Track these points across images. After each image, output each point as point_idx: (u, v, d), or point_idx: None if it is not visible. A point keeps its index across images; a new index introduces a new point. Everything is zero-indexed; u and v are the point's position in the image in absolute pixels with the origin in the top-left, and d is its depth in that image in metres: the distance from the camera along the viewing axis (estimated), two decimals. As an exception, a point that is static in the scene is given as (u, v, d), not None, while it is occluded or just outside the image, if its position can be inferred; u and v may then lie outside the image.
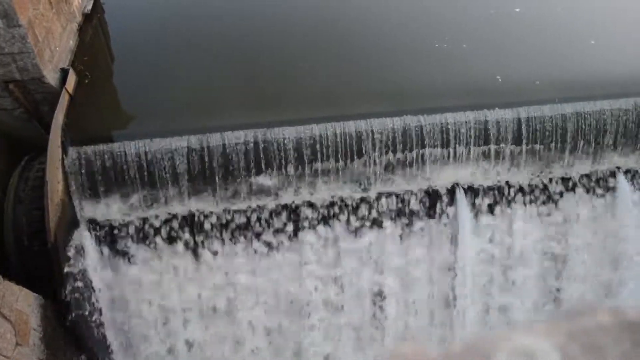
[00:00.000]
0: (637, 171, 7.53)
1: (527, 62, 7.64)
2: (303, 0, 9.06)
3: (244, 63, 7.67)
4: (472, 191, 7.00)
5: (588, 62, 7.79)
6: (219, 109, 6.95)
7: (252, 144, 6.56)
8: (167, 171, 6.61)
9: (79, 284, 6.39)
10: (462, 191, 6.93)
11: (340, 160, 6.64)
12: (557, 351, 0.86)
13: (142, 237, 6.67)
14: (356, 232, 6.84)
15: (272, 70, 7.55)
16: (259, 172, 6.62)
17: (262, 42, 8.01)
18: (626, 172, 7.50)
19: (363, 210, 6.82)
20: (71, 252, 6.30)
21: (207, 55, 7.78)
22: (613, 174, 7.44)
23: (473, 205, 6.99)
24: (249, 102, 7.01)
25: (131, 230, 6.63)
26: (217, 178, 6.64)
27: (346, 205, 6.80)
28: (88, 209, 6.66)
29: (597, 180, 7.29)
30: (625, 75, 7.57)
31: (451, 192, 6.95)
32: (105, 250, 6.63)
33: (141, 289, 6.87)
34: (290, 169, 6.61)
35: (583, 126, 6.99)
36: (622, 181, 7.44)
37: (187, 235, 6.81)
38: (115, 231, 6.61)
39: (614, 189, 7.37)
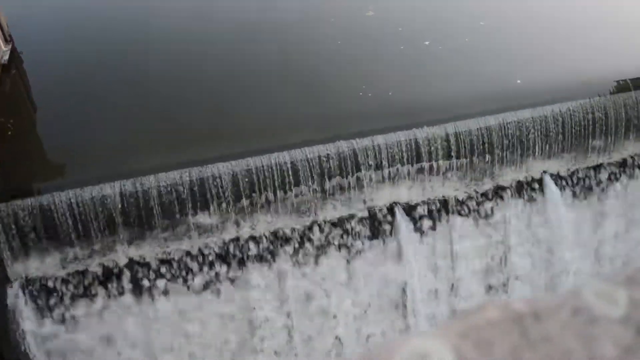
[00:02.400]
0: (561, 174, 7.91)
1: (452, 78, 7.96)
2: (225, 35, 9.07)
3: (169, 100, 7.62)
4: (411, 208, 7.15)
5: (507, 74, 8.17)
6: (150, 150, 6.84)
7: (188, 183, 6.49)
8: (102, 219, 6.43)
9: (18, 345, 6.08)
10: (400, 209, 7.07)
11: (279, 192, 6.65)
12: (451, 351, 0.90)
13: (80, 291, 6.42)
14: (302, 262, 6.83)
15: (201, 105, 7.54)
16: (197, 211, 6.54)
17: (186, 78, 8.02)
18: (552, 175, 7.87)
19: (308, 239, 6.83)
20: (6, 312, 5.99)
21: (132, 97, 7.69)
22: (540, 179, 7.77)
23: (413, 222, 7.13)
24: (180, 140, 6.96)
25: (67, 285, 6.37)
26: (154, 222, 6.51)
27: (289, 237, 6.80)
28: (20, 266, 6.37)
29: (527, 186, 7.61)
30: (543, 83, 8.00)
31: (391, 211, 7.07)
32: (41, 307, 6.33)
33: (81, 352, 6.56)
34: (229, 205, 6.56)
35: (507, 136, 7.30)
36: (549, 184, 7.79)
37: (129, 285, 6.61)
38: (51, 287, 6.33)
39: (542, 192, 7.70)
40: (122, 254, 6.64)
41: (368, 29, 9.06)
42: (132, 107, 7.59)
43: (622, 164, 8.24)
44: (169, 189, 6.47)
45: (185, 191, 6.48)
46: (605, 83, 8.04)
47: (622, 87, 8.06)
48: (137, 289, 6.58)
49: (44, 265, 6.39)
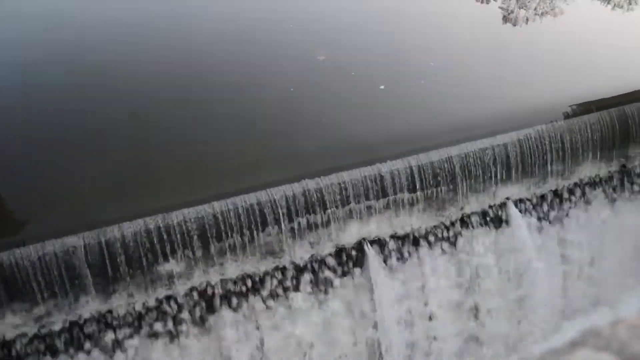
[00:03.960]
0: (524, 199, 8.11)
1: (411, 115, 8.12)
2: (184, 77, 8.96)
3: (128, 145, 7.47)
4: (379, 243, 7.19)
5: (465, 107, 8.34)
6: (111, 199, 6.69)
7: (153, 231, 6.37)
8: (65, 274, 6.24)
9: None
10: (369, 245, 7.09)
11: (247, 235, 6.59)
12: None
13: (47, 353, 6.18)
14: (273, 306, 6.76)
15: (159, 149, 7.43)
16: (163, 259, 6.41)
17: (145, 121, 7.92)
18: (516, 201, 8.06)
19: (277, 282, 6.78)
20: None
21: (90, 140, 7.54)
22: (504, 205, 7.94)
23: (382, 257, 7.16)
24: (141, 187, 6.84)
25: (32, 346, 6.14)
26: (120, 273, 6.35)
27: (259, 280, 6.74)
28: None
29: (491, 214, 7.76)
30: (500, 112, 8.24)
31: (359, 248, 7.09)
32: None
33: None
34: (196, 251, 6.47)
35: (469, 166, 7.45)
36: (513, 210, 7.96)
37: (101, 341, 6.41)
38: (13, 349, 6.08)
39: (507, 219, 7.86)
40: (89, 309, 6.44)
41: (322, 74, 9.05)
42: (91, 151, 7.43)
43: (581, 187, 8.52)
44: (134, 238, 6.33)
45: (151, 239, 6.35)
46: (559, 109, 8.33)
47: (575, 112, 8.36)
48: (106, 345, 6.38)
49: (4, 326, 6.14)
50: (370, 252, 7.09)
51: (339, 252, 7.10)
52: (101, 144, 7.51)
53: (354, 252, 7.11)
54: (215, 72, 9.04)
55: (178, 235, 6.37)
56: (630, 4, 13.09)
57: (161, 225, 6.34)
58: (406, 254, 7.36)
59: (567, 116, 8.25)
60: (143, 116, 8.04)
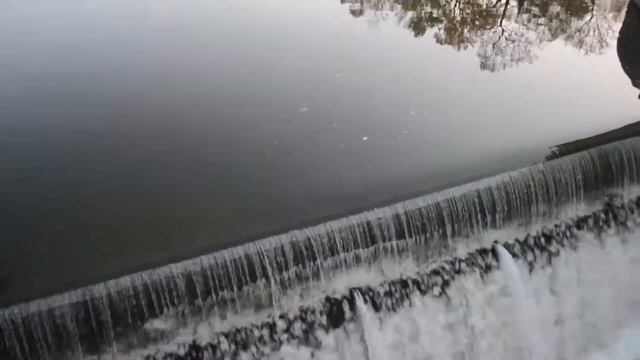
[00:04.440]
0: (512, 241, 8.13)
1: (396, 163, 8.19)
2: (166, 131, 8.96)
3: (111, 201, 7.42)
4: (370, 292, 7.12)
5: (448, 153, 8.51)
6: (96, 256, 6.59)
7: (140, 288, 6.26)
8: (51, 335, 6.08)
9: None
10: (359, 294, 7.02)
11: (236, 288, 6.51)
12: None
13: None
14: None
15: (144, 204, 7.40)
16: (151, 316, 6.28)
17: (129, 177, 7.90)
18: (504, 244, 8.07)
19: (268, 335, 6.66)
20: None
21: (72, 198, 7.48)
22: (493, 248, 7.95)
23: (373, 305, 7.08)
24: (126, 242, 6.75)
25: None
26: (107, 332, 6.20)
27: (250, 333, 6.61)
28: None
29: (480, 258, 7.75)
30: (483, 157, 8.37)
31: (350, 297, 7.01)
32: None
33: None
34: (185, 307, 6.36)
35: (456, 210, 7.49)
36: (502, 253, 7.96)
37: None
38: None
39: (497, 262, 7.85)
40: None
41: (305, 125, 9.16)
42: (74, 208, 7.37)
43: (568, 227, 8.57)
44: (120, 295, 6.22)
45: (137, 296, 6.24)
46: (540, 151, 8.49)
47: (556, 153, 8.51)
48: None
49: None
50: (361, 301, 7.01)
51: (329, 302, 7.00)
52: (85, 201, 7.45)
53: (344, 302, 7.02)
54: (199, 127, 9.06)
55: (166, 292, 6.28)
56: (602, 47, 13.58)
57: (148, 281, 6.25)
58: (397, 301, 7.27)
59: (548, 158, 8.40)
60: (128, 171, 8.02)
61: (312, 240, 6.76)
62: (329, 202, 7.21)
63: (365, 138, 8.57)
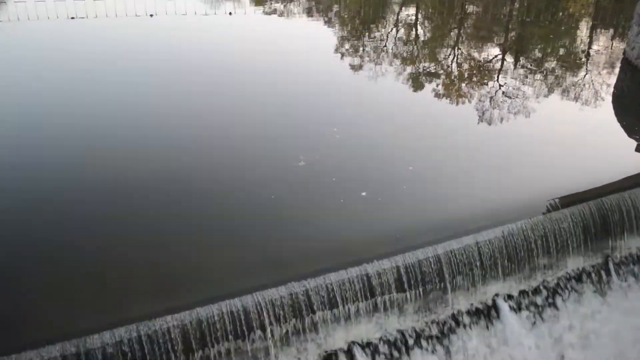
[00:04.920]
0: (513, 295, 8.03)
1: (395, 216, 8.18)
2: (161, 184, 8.96)
3: (106, 254, 7.33)
4: (369, 347, 6.97)
5: (447, 207, 8.52)
6: (91, 307, 6.50)
7: (135, 340, 6.14)
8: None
9: None
10: (359, 349, 6.87)
11: (232, 341, 6.38)
12: None
13: None
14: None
15: (140, 254, 7.32)
16: (146, 370, 6.14)
17: (121, 225, 7.87)
18: (505, 297, 7.98)
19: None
20: None
21: (65, 252, 7.40)
22: (494, 302, 7.84)
23: (373, 360, 6.93)
24: (122, 293, 6.66)
25: None
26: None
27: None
28: None
29: (482, 312, 7.64)
30: (484, 209, 8.38)
31: (349, 352, 6.86)
32: None
33: None
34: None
35: (456, 263, 7.44)
36: (503, 307, 7.85)
37: None
38: None
39: (498, 316, 7.73)
40: None
41: (303, 179, 9.13)
42: (69, 259, 7.30)
43: (569, 280, 8.49)
44: (115, 348, 6.10)
45: (132, 348, 6.12)
46: (539, 203, 8.51)
47: (555, 205, 8.52)
48: None
49: None
50: (361, 356, 6.86)
51: (328, 358, 6.85)
52: (80, 250, 7.39)
53: (343, 357, 6.86)
54: (196, 178, 9.09)
55: (162, 343, 6.16)
56: (597, 101, 13.82)
57: (143, 333, 6.15)
58: (398, 356, 7.11)
59: (548, 210, 8.42)
60: (123, 221, 7.98)
61: (310, 293, 6.68)
62: (328, 254, 7.17)
63: (364, 193, 8.56)
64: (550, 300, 8.29)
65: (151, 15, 20.65)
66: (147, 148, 10.03)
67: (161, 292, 6.69)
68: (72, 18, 19.94)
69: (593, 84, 14.94)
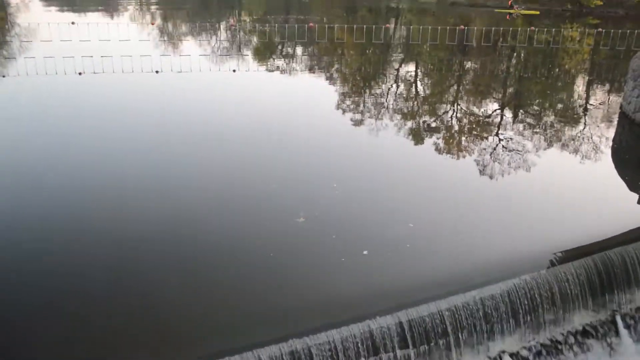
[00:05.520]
0: (520, 352, 7.84)
1: (398, 271, 8.10)
2: (158, 243, 8.83)
3: (104, 309, 7.23)
4: (373, 407, 6.77)
5: (450, 261, 8.44)
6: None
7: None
8: None
9: None
10: (362, 410, 6.67)
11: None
12: None
13: None
14: None
15: (136, 311, 7.22)
16: None
17: (122, 285, 7.76)
18: (512, 354, 7.79)
19: None
20: None
21: (64, 309, 7.31)
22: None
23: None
24: (119, 350, 6.51)
25: None
26: None
27: None
28: None
29: (488, 370, 7.45)
30: (487, 263, 8.31)
31: (352, 412, 6.66)
32: None
33: None
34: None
35: (460, 319, 7.31)
36: (511, 365, 7.66)
37: None
38: None
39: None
40: None
41: (302, 236, 9.07)
42: (70, 315, 7.19)
43: (575, 336, 8.31)
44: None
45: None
46: (542, 257, 8.44)
47: (559, 259, 8.45)
48: None
49: None
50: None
51: (330, 417, 6.64)
52: (82, 307, 7.30)
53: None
54: (195, 235, 9.01)
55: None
56: (597, 154, 13.93)
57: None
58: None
59: (552, 264, 8.33)
60: (126, 274, 7.89)
61: (312, 350, 6.54)
62: (329, 310, 7.06)
63: (365, 252, 8.46)
64: (557, 356, 8.09)
65: (157, 72, 21.15)
66: (150, 202, 10.07)
67: (159, 348, 6.58)
68: (80, 74, 20.45)
69: (592, 137, 15.12)
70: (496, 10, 53.07)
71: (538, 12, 51.21)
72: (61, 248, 8.60)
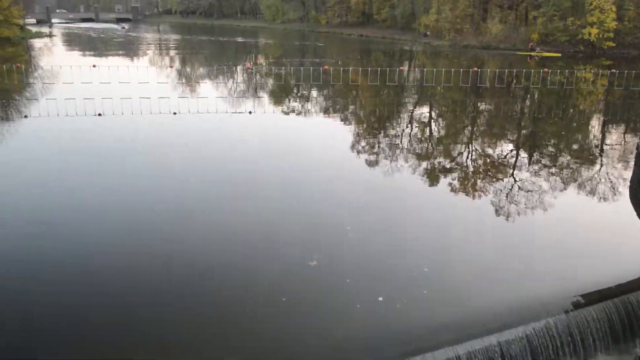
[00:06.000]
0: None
1: (414, 313, 8.01)
2: (161, 296, 8.60)
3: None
4: None
5: (469, 302, 8.33)
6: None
7: None
8: None
9: None
10: None
11: None
12: None
13: None
14: None
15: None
16: None
17: (126, 324, 7.71)
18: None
19: None
20: None
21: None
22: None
23: None
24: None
25: None
26: None
27: None
28: None
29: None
30: (506, 307, 8.15)
31: None
32: None
33: None
34: None
35: (479, 364, 7.15)
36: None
37: None
38: None
39: None
40: None
41: (315, 280, 8.93)
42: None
43: (599, 383, 8.06)
44: None
45: None
46: (562, 301, 8.27)
47: (579, 303, 8.28)
48: None
49: None
50: None
51: None
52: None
53: None
54: (206, 279, 8.91)
55: None
56: (614, 194, 13.78)
57: None
58: None
59: (572, 308, 8.16)
60: (131, 322, 7.80)
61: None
62: (342, 355, 6.94)
63: (380, 298, 8.30)
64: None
65: (174, 113, 21.55)
66: (163, 247, 10.04)
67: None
68: (99, 115, 20.89)
69: (609, 178, 15.00)
70: (517, 53, 53.60)
71: (560, 55, 51.46)
72: (70, 291, 8.53)
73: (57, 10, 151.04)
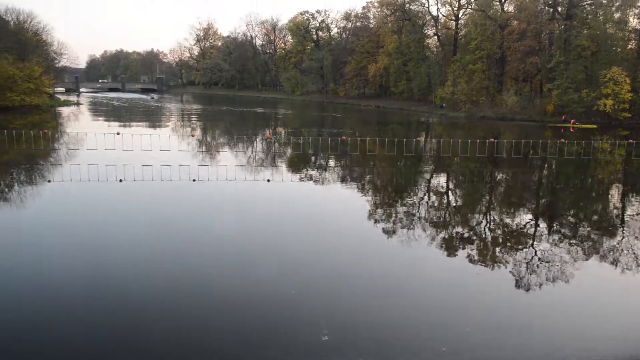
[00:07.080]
0: None
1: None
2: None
3: None
4: None
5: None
6: None
7: None
8: None
9: None
10: None
11: None
12: None
13: None
14: None
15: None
16: None
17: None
18: None
19: None
20: None
21: None
22: None
23: None
24: None
25: None
26: None
27: None
28: None
29: None
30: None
31: None
32: None
33: None
34: None
35: None
36: None
37: None
38: None
39: None
40: None
41: (327, 356, 8.63)
42: None
43: None
44: None
45: None
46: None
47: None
48: None
49: None
50: None
51: None
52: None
53: None
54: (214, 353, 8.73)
55: None
56: (637, 265, 13.41)
57: None
58: None
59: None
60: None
61: None
62: None
63: None
64: None
65: (194, 180, 21.88)
66: (175, 312, 10.00)
67: None
68: (121, 181, 21.32)
69: (632, 249, 14.68)
70: (549, 125, 53.71)
71: (595, 126, 51.35)
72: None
73: (86, 80, 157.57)
